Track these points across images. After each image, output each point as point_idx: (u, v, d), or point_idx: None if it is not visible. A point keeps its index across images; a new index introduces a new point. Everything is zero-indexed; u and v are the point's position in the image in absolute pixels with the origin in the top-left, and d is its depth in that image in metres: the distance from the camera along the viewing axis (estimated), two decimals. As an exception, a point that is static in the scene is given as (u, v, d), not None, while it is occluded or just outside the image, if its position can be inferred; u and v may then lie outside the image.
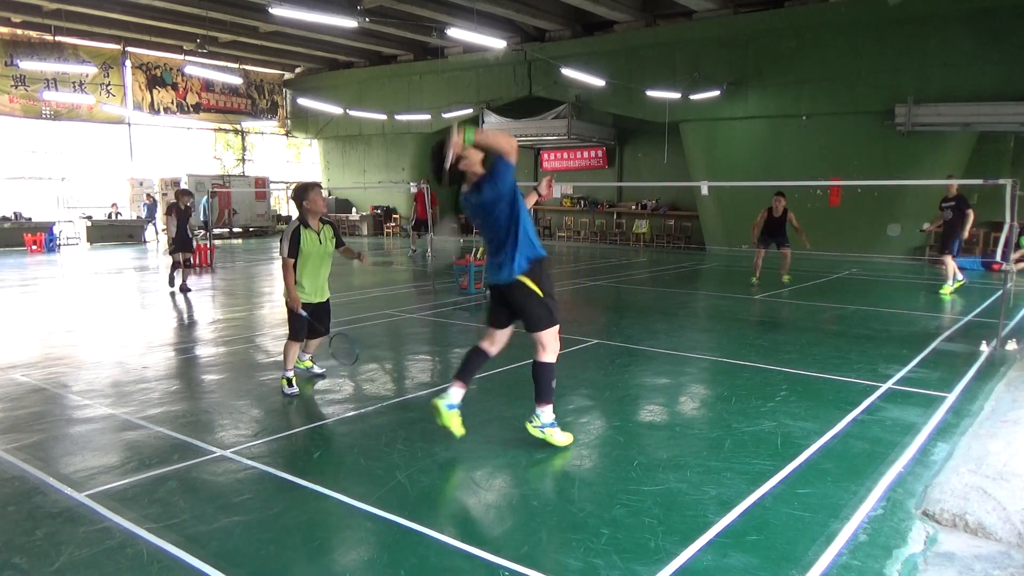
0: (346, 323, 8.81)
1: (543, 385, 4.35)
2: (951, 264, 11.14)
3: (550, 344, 4.32)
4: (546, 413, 4.39)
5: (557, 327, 4.37)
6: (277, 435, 4.73)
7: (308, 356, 6.22)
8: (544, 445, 4.43)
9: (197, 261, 13.93)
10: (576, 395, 5.63)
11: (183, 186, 23.95)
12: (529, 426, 4.44)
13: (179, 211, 11.63)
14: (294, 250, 5.53)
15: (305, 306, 5.68)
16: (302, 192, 5.62)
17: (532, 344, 4.36)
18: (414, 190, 17.51)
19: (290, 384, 5.68)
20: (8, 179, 21.96)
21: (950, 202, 11.16)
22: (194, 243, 12.15)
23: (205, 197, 22.07)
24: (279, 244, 5.64)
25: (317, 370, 6.24)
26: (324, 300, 5.90)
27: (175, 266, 11.60)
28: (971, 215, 10.92)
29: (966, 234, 11.13)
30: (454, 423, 4.38)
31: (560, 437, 4.42)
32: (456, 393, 4.40)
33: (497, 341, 4.50)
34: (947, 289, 11.07)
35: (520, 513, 3.58)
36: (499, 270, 4.28)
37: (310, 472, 4.07)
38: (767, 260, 12.55)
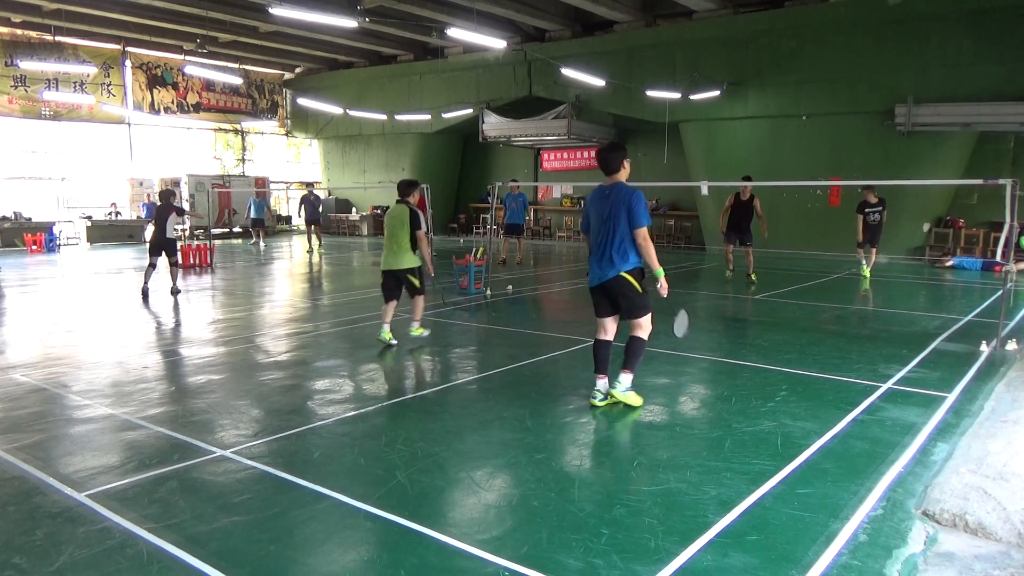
0: (346, 323, 8.83)
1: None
2: (874, 256, 13.19)
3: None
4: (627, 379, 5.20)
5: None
6: (277, 435, 4.73)
7: (388, 324, 7.27)
8: (544, 445, 4.44)
9: (181, 261, 13.13)
10: (576, 395, 5.63)
11: (183, 185, 24.10)
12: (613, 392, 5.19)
13: (157, 211, 11.38)
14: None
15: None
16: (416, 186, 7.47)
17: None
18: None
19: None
20: (8, 179, 21.94)
21: (876, 207, 12.72)
22: (177, 244, 11.77)
23: (252, 197, 22.21)
24: (419, 221, 7.11)
25: (393, 340, 7.23)
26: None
27: (150, 267, 11.19)
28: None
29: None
30: (633, 399, 5.21)
31: (636, 399, 5.27)
32: (602, 383, 5.24)
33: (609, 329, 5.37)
34: (867, 271, 13.12)
35: (520, 513, 3.57)
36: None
37: (310, 472, 4.07)
38: (757, 260, 13.06)
